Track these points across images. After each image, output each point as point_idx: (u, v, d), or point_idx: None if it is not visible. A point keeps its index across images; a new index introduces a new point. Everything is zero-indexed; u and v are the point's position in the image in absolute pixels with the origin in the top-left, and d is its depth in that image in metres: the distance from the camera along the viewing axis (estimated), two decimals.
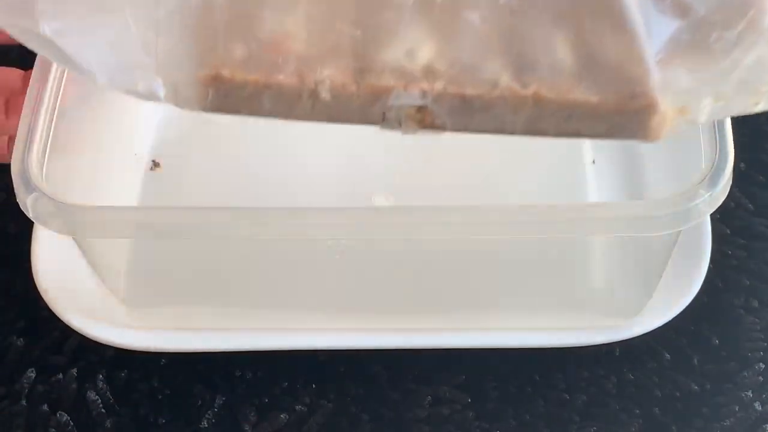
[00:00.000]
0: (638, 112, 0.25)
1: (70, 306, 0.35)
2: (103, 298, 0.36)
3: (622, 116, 0.25)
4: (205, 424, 0.35)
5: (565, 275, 0.38)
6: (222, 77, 0.26)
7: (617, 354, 0.37)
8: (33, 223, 0.36)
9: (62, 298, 0.35)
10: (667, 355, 0.37)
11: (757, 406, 0.36)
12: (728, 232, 0.40)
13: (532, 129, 0.26)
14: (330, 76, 0.26)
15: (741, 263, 0.39)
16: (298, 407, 0.36)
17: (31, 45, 0.27)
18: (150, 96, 0.26)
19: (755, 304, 0.38)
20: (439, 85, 0.26)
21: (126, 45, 0.26)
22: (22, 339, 0.37)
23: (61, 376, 0.36)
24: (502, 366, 0.37)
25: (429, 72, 0.26)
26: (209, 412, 0.36)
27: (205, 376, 0.37)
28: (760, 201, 0.41)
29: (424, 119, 0.26)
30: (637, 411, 0.36)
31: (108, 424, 0.35)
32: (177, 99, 0.26)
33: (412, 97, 0.26)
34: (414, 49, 0.26)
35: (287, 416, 0.36)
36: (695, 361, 0.37)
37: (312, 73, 0.26)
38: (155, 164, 0.42)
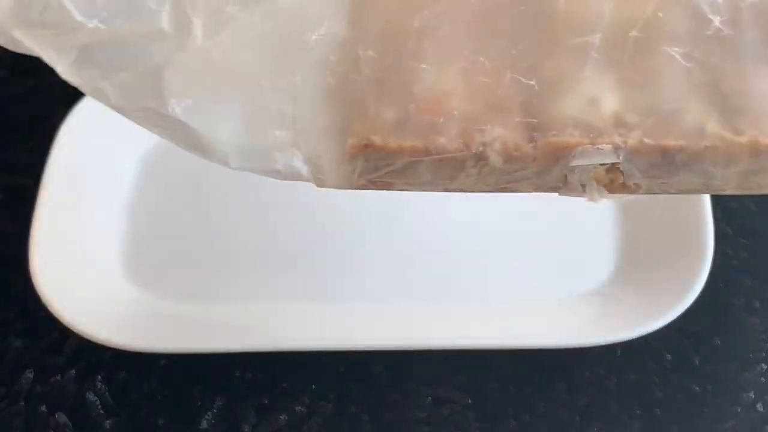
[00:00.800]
0: None
1: (68, 306, 0.35)
2: (101, 299, 0.36)
3: None
4: (204, 425, 0.35)
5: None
6: (373, 145, 0.22)
7: (618, 354, 0.37)
8: (31, 223, 0.36)
9: (61, 299, 0.35)
10: (669, 356, 0.37)
11: (759, 407, 0.36)
12: (730, 232, 0.40)
13: (747, 184, 0.22)
14: (500, 136, 0.22)
15: (743, 263, 0.39)
16: (297, 408, 0.36)
17: (154, 128, 0.24)
18: (291, 174, 0.23)
19: (757, 304, 0.38)
20: (634, 138, 0.22)
21: (260, 119, 0.23)
22: (20, 339, 0.37)
23: (59, 376, 0.36)
24: (502, 366, 0.37)
25: (619, 123, 0.22)
26: (209, 413, 0.36)
27: (205, 377, 0.36)
28: (762, 201, 0.41)
29: (614, 181, 0.23)
30: (638, 412, 0.36)
31: (107, 425, 0.35)
32: (320, 175, 0.23)
33: (601, 155, 0.22)
34: (598, 97, 0.22)
35: (287, 417, 0.35)
36: (696, 361, 0.37)
37: (478, 133, 0.22)
38: None
